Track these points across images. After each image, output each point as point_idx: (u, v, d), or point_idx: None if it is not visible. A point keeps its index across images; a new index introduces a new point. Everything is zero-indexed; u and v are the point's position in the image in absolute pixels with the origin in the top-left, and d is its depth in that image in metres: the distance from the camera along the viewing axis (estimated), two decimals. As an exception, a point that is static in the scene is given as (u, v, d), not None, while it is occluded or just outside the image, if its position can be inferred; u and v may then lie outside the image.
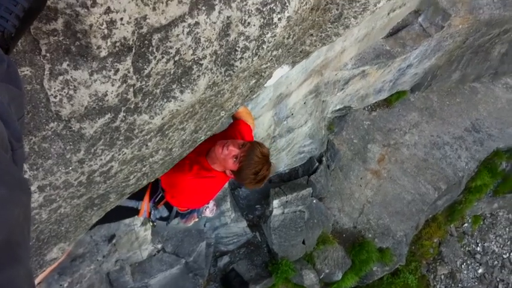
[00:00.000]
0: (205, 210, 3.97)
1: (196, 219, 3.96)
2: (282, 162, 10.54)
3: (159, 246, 9.73)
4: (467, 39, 11.36)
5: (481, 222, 13.80)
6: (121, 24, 1.48)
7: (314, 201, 11.17)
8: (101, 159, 1.79)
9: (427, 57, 11.13)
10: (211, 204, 3.99)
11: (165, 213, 3.69)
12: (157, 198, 3.56)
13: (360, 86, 10.81)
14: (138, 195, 3.49)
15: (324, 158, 11.50)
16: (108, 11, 1.42)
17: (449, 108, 12.78)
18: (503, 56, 13.04)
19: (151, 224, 4.19)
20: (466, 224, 13.67)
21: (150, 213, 3.65)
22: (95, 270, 7.97)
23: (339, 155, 11.64)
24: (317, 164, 11.35)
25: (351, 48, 9.70)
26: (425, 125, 12.37)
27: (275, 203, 10.39)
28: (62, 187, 1.78)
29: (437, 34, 10.46)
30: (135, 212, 3.69)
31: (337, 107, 11.21)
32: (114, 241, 8.20)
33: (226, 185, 9.77)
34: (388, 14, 9.91)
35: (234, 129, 3.73)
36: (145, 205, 3.59)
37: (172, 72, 1.74)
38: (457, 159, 12.37)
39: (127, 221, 7.96)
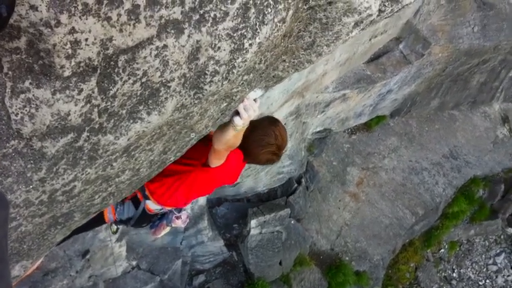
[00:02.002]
0: (176, 219, 3.71)
1: (167, 229, 3.79)
2: (260, 182, 10.56)
3: (134, 263, 9.62)
4: (447, 68, 11.55)
5: (458, 249, 13.90)
6: (86, 44, 1.47)
7: (292, 222, 11.18)
8: (63, 179, 1.77)
9: (407, 83, 11.28)
10: (183, 214, 3.76)
11: (131, 212, 3.54)
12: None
13: (340, 109, 10.90)
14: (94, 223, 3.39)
15: (303, 179, 11.53)
16: (72, 31, 1.42)
17: (428, 134, 12.92)
18: (482, 85, 13.27)
19: (113, 229, 4.04)
20: (442, 250, 13.75)
21: (115, 213, 3.52)
22: (67, 285, 7.85)
23: (318, 176, 11.68)
24: (296, 185, 11.38)
25: (333, 71, 9.77)
26: (404, 150, 12.50)
27: (253, 222, 10.36)
28: (23, 205, 1.75)
29: (417, 61, 10.62)
30: (102, 220, 3.54)
31: (318, 129, 11.28)
32: (88, 256, 8.09)
33: (204, 202, 9.72)
34: (370, 39, 10.03)
35: None
36: (109, 215, 3.48)
37: (139, 94, 1.73)
38: (435, 185, 12.48)
39: (102, 236, 7.86)
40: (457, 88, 12.82)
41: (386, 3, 2.36)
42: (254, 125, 3.04)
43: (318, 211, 11.63)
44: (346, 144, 12.11)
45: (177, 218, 3.72)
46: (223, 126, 2.68)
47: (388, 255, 12.11)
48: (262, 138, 3.05)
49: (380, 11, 2.36)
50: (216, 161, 2.99)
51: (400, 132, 12.69)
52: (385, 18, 2.54)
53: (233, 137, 2.69)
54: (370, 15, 2.32)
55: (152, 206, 3.46)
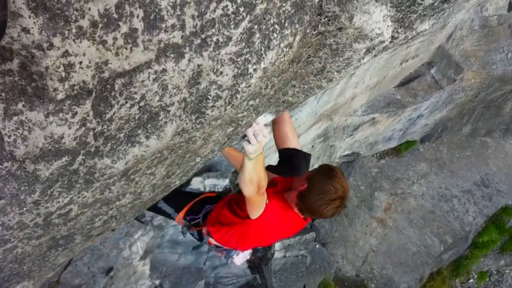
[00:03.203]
0: (236, 255, 3.57)
1: (224, 259, 3.66)
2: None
3: (157, 282, 9.60)
4: (479, 94, 11.33)
5: (487, 279, 13.48)
6: (80, 67, 1.46)
7: (317, 246, 11.03)
8: (59, 202, 1.76)
9: (438, 108, 11.10)
10: (243, 255, 3.61)
11: (194, 240, 3.50)
12: (193, 222, 3.38)
13: (369, 133, 10.78)
14: (177, 205, 3.32)
15: (329, 203, 11.36)
16: (66, 54, 1.41)
17: (459, 161, 12.66)
18: (515, 113, 12.98)
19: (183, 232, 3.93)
20: (471, 280, 13.36)
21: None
22: (91, 302, 7.88)
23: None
24: (322, 209, 11.22)
25: (362, 95, 9.71)
26: (434, 176, 12.25)
27: (277, 245, 10.26)
28: (16, 228, 1.74)
29: (449, 87, 10.45)
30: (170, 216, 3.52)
31: (345, 153, 11.16)
32: (111, 274, 8.12)
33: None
34: (401, 63, 9.95)
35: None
36: (179, 219, 3.42)
37: (137, 118, 1.71)
38: (465, 213, 12.17)
39: (126, 253, 7.89)
40: (490, 115, 12.54)
41: (400, 30, 2.30)
42: (310, 183, 2.98)
43: (344, 236, 11.44)
44: (375, 169, 11.93)
45: (237, 255, 3.61)
46: (240, 167, 2.64)
47: (415, 284, 11.80)
48: (322, 196, 2.95)
49: (393, 37, 2.31)
50: (252, 211, 2.92)
51: (430, 158, 12.45)
52: (399, 44, 2.48)
53: (252, 170, 2.61)
54: (383, 41, 2.26)
55: (214, 242, 3.44)
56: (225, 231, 3.22)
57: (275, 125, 3.33)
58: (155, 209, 3.37)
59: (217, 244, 3.43)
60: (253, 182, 2.66)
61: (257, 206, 2.89)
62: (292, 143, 3.32)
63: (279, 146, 3.38)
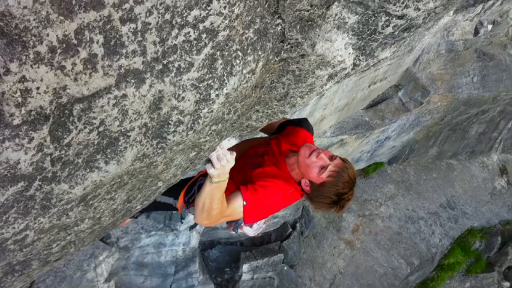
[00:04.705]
0: (249, 226, 3.31)
1: (233, 232, 3.44)
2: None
3: (122, 304, 9.43)
4: (446, 117, 11.56)
5: (453, 301, 13.62)
6: (37, 93, 1.44)
7: (285, 268, 11.00)
8: (14, 228, 1.72)
9: (405, 131, 11.28)
10: (261, 221, 3.36)
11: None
12: (191, 199, 3.27)
13: (338, 154, 10.84)
14: (175, 193, 3.20)
15: (298, 224, 11.41)
16: (23, 79, 1.39)
17: (426, 183, 12.85)
18: (480, 136, 13.27)
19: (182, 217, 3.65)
20: (438, 302, 13.48)
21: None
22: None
23: (314, 222, 11.56)
24: (290, 230, 11.26)
25: (331, 116, 9.80)
26: (401, 198, 12.40)
27: (245, 267, 10.21)
28: (-31, 253, 1.70)
29: (416, 109, 10.64)
30: (173, 207, 3.35)
31: (314, 174, 11.20)
32: (75, 298, 7.95)
33: (196, 244, 9.59)
34: (369, 86, 10.09)
35: (302, 138, 3.36)
36: (180, 204, 3.32)
37: (96, 143, 1.70)
38: (431, 235, 12.33)
39: (90, 276, 7.73)
40: (456, 137, 12.80)
41: (361, 58, 2.34)
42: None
43: (312, 257, 11.46)
44: (343, 190, 12.01)
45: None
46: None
47: (382, 306, 11.86)
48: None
49: (355, 64, 2.35)
50: (231, 218, 2.87)
51: (398, 179, 12.62)
52: (361, 72, 2.52)
53: (208, 194, 2.57)
54: (344, 68, 2.30)
55: None
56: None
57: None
58: (157, 205, 3.25)
59: None
60: (204, 208, 2.63)
61: (230, 218, 2.88)
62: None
63: (273, 129, 3.41)
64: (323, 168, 2.76)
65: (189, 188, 3.20)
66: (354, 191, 2.86)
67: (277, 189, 2.89)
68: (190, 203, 3.21)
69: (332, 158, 2.83)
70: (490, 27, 10.76)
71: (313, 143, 3.42)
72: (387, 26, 2.19)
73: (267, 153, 3.21)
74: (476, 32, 10.74)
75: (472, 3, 8.99)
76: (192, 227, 8.93)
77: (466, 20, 9.99)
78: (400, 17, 2.14)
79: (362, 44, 2.28)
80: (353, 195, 2.86)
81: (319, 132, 9.84)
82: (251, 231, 3.38)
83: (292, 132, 3.40)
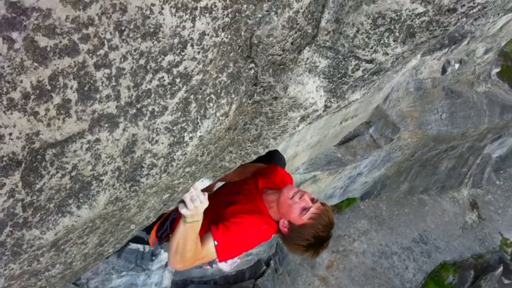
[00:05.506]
0: (224, 261, 3.18)
1: (208, 267, 3.38)
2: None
3: None
4: (416, 153, 11.74)
5: (428, 336, 13.59)
6: (10, 139, 1.43)
7: (259, 306, 10.86)
8: (-17, 274, 1.69)
9: (376, 167, 11.40)
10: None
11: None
12: (164, 234, 3.22)
13: (311, 190, 10.88)
14: (147, 227, 3.15)
15: (272, 262, 11.32)
16: (-5, 125, 1.38)
17: (398, 218, 12.95)
18: (450, 171, 13.48)
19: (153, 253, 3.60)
20: (413, 338, 13.43)
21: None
22: None
23: (288, 259, 11.49)
24: (265, 267, 11.16)
25: (304, 153, 9.85)
26: (374, 233, 12.45)
27: (218, 306, 10.04)
28: None
29: (386, 146, 10.79)
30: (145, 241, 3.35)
31: (287, 211, 11.19)
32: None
33: (169, 284, 9.42)
34: (341, 123, 10.21)
35: (280, 177, 3.37)
36: (152, 240, 3.25)
37: (68, 187, 1.68)
38: (405, 270, 12.37)
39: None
40: (426, 173, 12.99)
41: (332, 100, 2.39)
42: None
43: (287, 295, 11.37)
44: (316, 226, 12.02)
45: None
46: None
47: None
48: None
49: (326, 106, 2.39)
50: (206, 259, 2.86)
51: (371, 215, 12.70)
52: (333, 113, 2.56)
53: (182, 235, 2.56)
54: (316, 110, 2.34)
55: None
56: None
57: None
58: (134, 238, 3.22)
59: None
60: (178, 250, 2.61)
61: (205, 260, 2.86)
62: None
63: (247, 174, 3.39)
64: (305, 209, 2.77)
65: (162, 223, 3.18)
66: (331, 235, 2.87)
67: (250, 225, 2.89)
68: (162, 238, 3.18)
69: (313, 200, 2.85)
70: (457, 66, 11.06)
71: (291, 181, 3.45)
72: (357, 69, 2.25)
73: (242, 190, 3.22)
74: (443, 71, 11.02)
75: (438, 47, 9.26)
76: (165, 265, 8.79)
77: (434, 59, 10.26)
78: (370, 61, 2.20)
79: (333, 86, 2.33)
80: (329, 241, 2.87)
81: (292, 169, 9.88)
82: (226, 266, 3.36)
83: (270, 170, 3.43)
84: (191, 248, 2.63)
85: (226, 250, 2.83)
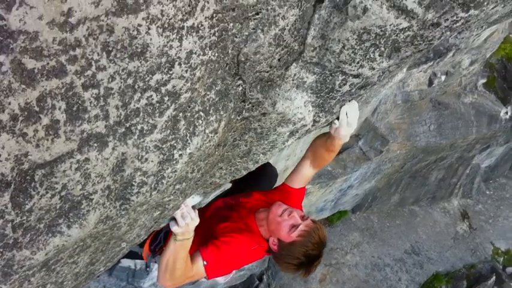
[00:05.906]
0: None
1: (203, 279, 3.44)
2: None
3: None
4: (405, 164, 11.79)
5: None
6: (-2, 160, 1.43)
7: (253, 321, 10.80)
8: (-27, 298, 1.68)
9: (367, 179, 11.42)
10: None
11: None
12: (157, 247, 3.19)
13: (301, 204, 10.88)
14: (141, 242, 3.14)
15: (264, 276, 11.27)
16: (-16, 148, 1.39)
17: (390, 230, 12.97)
18: (440, 182, 13.54)
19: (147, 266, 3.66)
20: None
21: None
22: None
23: (280, 273, 11.44)
24: (257, 282, 11.12)
25: (293, 167, 9.83)
26: (366, 245, 12.46)
27: (210, 323, 9.94)
28: None
29: (376, 158, 10.82)
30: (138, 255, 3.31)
31: (279, 225, 11.17)
32: None
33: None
34: (330, 136, 10.20)
35: (288, 196, 3.32)
36: (145, 253, 3.22)
37: (58, 207, 1.68)
38: (398, 282, 12.36)
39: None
40: (416, 184, 13.05)
41: (321, 114, 2.41)
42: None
43: (280, 309, 11.31)
44: (309, 240, 12.00)
45: None
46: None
47: None
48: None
49: (315, 121, 2.41)
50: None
51: (362, 227, 12.71)
52: (322, 127, 2.59)
53: (172, 253, 2.54)
54: (305, 125, 2.36)
55: None
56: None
57: None
58: (129, 253, 3.20)
59: None
60: (168, 268, 2.59)
61: (195, 278, 2.84)
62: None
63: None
64: (294, 227, 2.75)
65: (155, 236, 3.17)
66: (323, 254, 2.84)
67: (240, 245, 2.88)
68: (156, 251, 3.17)
69: (303, 218, 2.82)
70: (443, 77, 11.16)
71: (302, 196, 3.43)
72: (344, 84, 2.27)
73: (237, 207, 3.21)
74: (430, 83, 11.12)
75: (424, 61, 9.34)
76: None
77: (420, 71, 10.35)
78: (356, 76, 2.23)
79: (321, 101, 2.36)
80: (320, 259, 2.83)
81: (283, 183, 9.88)
82: (221, 278, 3.36)
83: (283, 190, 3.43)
84: (181, 266, 2.62)
85: (216, 270, 2.82)
